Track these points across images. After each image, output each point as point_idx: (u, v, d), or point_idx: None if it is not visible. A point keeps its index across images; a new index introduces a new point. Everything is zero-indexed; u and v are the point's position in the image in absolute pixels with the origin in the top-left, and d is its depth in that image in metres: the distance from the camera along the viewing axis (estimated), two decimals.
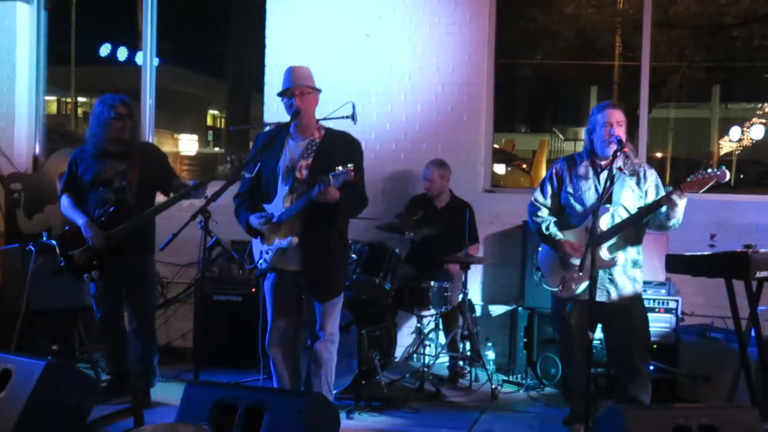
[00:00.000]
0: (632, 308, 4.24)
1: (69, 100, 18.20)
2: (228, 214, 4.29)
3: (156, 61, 7.38)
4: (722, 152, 13.11)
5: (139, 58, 7.52)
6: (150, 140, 7.16)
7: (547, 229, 4.31)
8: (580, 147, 5.18)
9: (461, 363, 5.72)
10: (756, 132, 12.02)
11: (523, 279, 5.87)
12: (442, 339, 5.75)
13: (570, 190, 4.28)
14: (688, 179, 3.88)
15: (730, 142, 12.97)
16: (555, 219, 4.35)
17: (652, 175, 4.22)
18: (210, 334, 5.80)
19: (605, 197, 3.98)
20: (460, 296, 5.57)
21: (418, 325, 5.76)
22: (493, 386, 5.35)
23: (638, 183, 4.19)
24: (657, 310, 5.23)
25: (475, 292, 6.28)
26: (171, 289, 6.64)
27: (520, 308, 5.85)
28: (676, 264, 4.52)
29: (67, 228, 4.92)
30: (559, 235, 4.26)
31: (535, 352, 5.66)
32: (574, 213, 4.27)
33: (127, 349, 5.07)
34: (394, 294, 5.45)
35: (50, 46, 7.63)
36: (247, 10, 10.29)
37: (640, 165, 4.26)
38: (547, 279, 4.39)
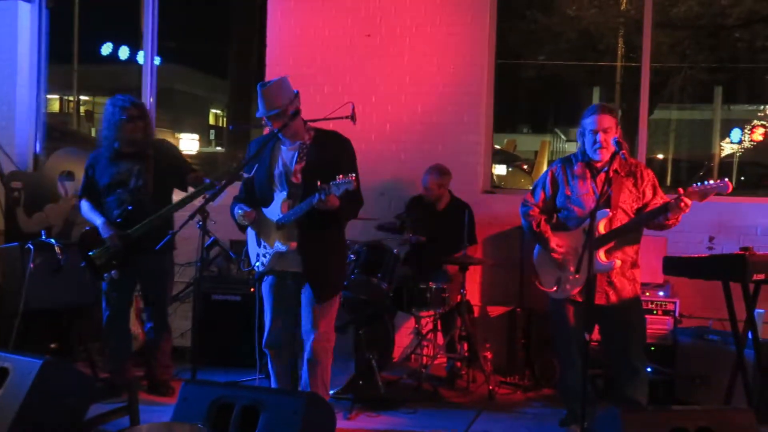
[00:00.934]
0: (631, 309, 4.23)
1: (71, 98, 18.22)
2: (226, 214, 4.31)
3: (157, 60, 7.38)
4: (723, 154, 13.10)
5: (140, 57, 7.53)
6: None
7: (538, 226, 4.31)
8: None
9: (459, 364, 5.72)
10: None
11: (522, 280, 5.87)
12: (440, 340, 5.75)
13: (568, 192, 4.27)
14: (691, 188, 3.87)
15: (731, 144, 12.96)
16: (546, 217, 4.35)
17: (648, 175, 4.21)
18: (209, 334, 5.80)
19: (603, 201, 3.98)
20: (459, 297, 5.56)
21: (417, 325, 5.76)
22: (491, 387, 5.35)
23: (635, 184, 4.18)
24: (655, 312, 5.23)
25: (473, 293, 6.27)
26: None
27: (518, 309, 5.85)
28: (673, 266, 4.53)
29: (87, 228, 5.03)
30: (549, 233, 4.27)
31: (533, 353, 5.66)
32: (572, 216, 4.26)
33: (129, 348, 5.22)
34: (393, 294, 5.45)
35: (52, 45, 7.64)
36: (248, 10, 10.29)
37: (636, 165, 4.26)
38: (541, 279, 4.38)
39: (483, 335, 5.96)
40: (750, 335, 4.43)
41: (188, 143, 20.26)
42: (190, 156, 17.74)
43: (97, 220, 4.90)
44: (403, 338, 6.25)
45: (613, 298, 4.17)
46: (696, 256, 4.42)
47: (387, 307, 5.61)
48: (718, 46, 10.89)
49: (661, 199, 4.14)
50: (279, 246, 4.07)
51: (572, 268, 4.00)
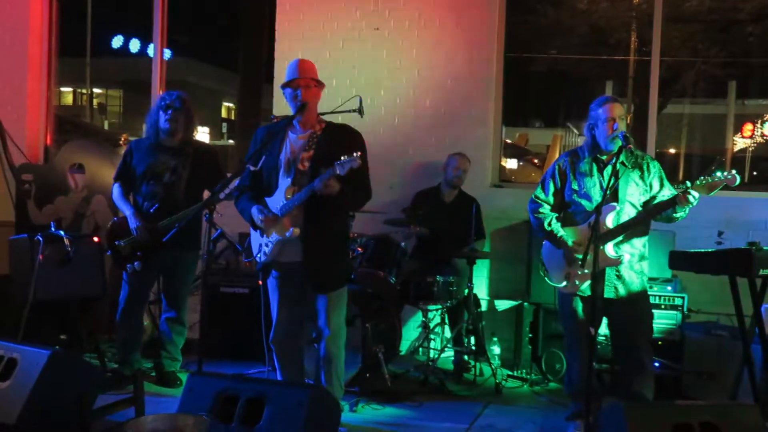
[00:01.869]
0: (639, 302, 4.22)
1: (85, 91, 18.31)
2: (233, 207, 4.31)
3: (167, 54, 7.40)
4: (736, 149, 13.01)
5: (151, 50, 7.55)
6: None
7: (549, 225, 4.30)
8: None
9: (466, 357, 5.73)
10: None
11: (529, 274, 5.87)
12: (447, 333, 5.76)
13: (575, 186, 4.25)
14: (697, 182, 3.86)
15: (743, 139, 12.87)
16: (557, 215, 4.34)
17: (655, 167, 4.19)
18: (216, 326, 5.81)
19: (610, 194, 3.97)
20: (466, 291, 5.57)
21: (424, 319, 5.77)
22: (498, 381, 5.36)
23: (642, 176, 4.16)
24: (663, 306, 5.22)
25: (480, 287, 6.28)
26: None
27: (525, 303, 5.85)
28: (679, 260, 4.50)
29: (115, 219, 5.16)
30: (561, 232, 4.26)
31: (540, 347, 5.67)
32: (579, 210, 4.25)
33: (139, 341, 5.27)
34: (400, 288, 5.46)
35: (66, 38, 7.68)
36: (258, 3, 10.29)
37: (643, 157, 4.24)
38: (551, 275, 4.38)
39: (490, 329, 5.98)
40: (757, 330, 4.41)
41: (200, 136, 20.29)
42: None
43: (126, 211, 5.00)
44: (410, 331, 6.27)
45: (621, 291, 4.17)
46: (703, 250, 4.40)
47: (394, 301, 5.62)
48: (731, 40, 10.82)
49: (669, 191, 4.13)
50: (282, 234, 4.01)
51: (580, 263, 3.99)
